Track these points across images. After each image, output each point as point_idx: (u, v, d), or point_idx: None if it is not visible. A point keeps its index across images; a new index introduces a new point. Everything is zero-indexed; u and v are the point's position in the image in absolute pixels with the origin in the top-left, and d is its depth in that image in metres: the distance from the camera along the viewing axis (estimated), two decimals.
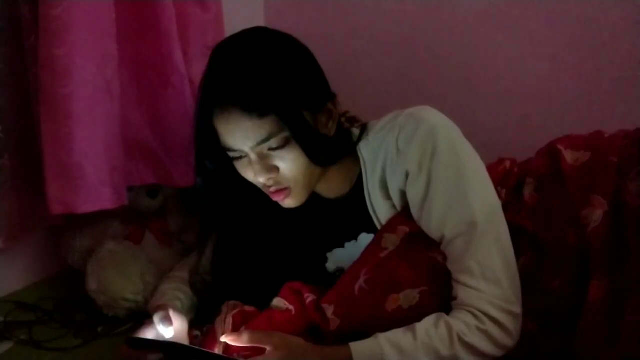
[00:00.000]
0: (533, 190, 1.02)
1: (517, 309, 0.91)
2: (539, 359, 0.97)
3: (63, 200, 1.10)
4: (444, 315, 0.90)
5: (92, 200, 1.12)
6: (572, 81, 1.46)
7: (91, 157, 1.11)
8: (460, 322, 0.88)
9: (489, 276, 0.90)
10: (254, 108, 0.89)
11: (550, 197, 1.00)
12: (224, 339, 0.91)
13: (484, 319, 0.88)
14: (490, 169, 1.03)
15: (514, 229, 0.99)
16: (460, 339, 0.87)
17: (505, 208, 1.00)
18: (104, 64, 1.11)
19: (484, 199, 0.93)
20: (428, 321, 0.90)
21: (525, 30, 1.49)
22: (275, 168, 0.94)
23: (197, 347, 0.92)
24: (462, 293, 0.91)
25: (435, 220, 0.94)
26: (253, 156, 0.93)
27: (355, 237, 1.06)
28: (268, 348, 0.88)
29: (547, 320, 0.96)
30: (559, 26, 1.45)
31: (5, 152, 1.16)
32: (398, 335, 0.89)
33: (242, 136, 0.91)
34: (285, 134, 0.91)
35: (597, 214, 0.94)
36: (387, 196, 0.99)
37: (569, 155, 1.00)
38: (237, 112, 0.89)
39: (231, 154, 0.95)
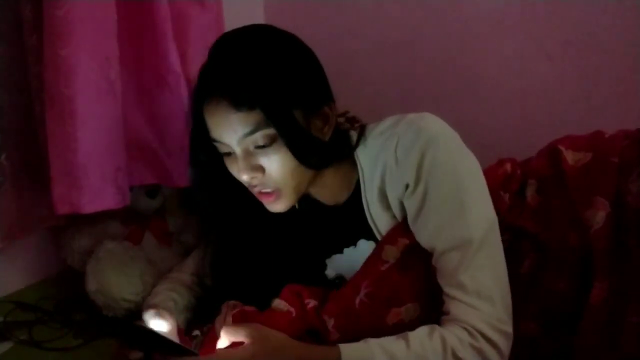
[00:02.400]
0: (534, 192, 1.01)
1: (508, 327, 0.88)
2: (539, 358, 0.96)
3: (69, 201, 1.11)
4: (437, 327, 0.88)
5: (96, 200, 1.13)
6: (572, 81, 1.46)
7: (96, 157, 1.11)
8: (454, 336, 0.86)
9: (483, 293, 0.87)
10: (241, 101, 0.88)
11: (552, 198, 0.99)
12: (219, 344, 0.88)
13: (478, 336, 0.86)
14: (491, 172, 1.02)
15: (516, 231, 0.98)
16: (454, 354, 0.85)
17: (509, 211, 1.00)
18: (107, 64, 1.11)
19: (481, 213, 0.91)
20: (421, 331, 0.88)
21: (525, 30, 1.49)
22: (260, 167, 0.92)
23: (167, 338, 0.90)
24: (454, 308, 0.88)
25: (429, 232, 0.92)
26: (238, 152, 0.92)
27: (354, 243, 1.05)
28: (245, 341, 0.85)
29: (549, 321, 0.96)
30: (559, 26, 1.45)
31: (5, 151, 1.16)
32: (390, 342, 0.87)
33: (227, 128, 0.90)
34: (272, 130, 0.89)
35: (599, 216, 0.93)
36: (387, 207, 0.97)
37: (570, 156, 0.99)
38: (225, 103, 0.88)
39: (219, 147, 0.94)
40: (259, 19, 1.75)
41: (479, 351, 0.85)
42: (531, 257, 0.98)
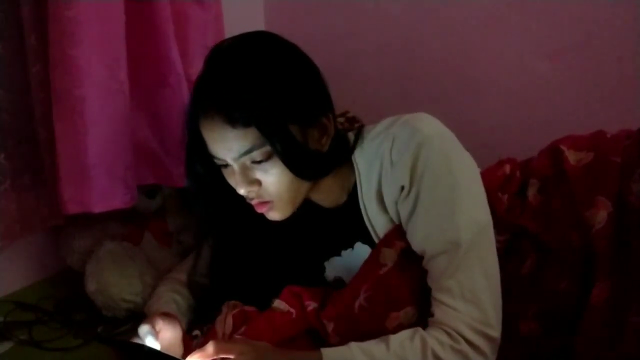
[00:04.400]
0: (536, 191, 1.00)
1: (495, 332, 0.88)
2: (539, 358, 0.96)
3: (79, 200, 1.11)
4: (420, 329, 0.88)
5: (106, 199, 1.14)
6: (572, 81, 1.46)
7: (105, 157, 1.12)
8: (435, 339, 0.86)
9: (468, 297, 0.87)
10: (237, 119, 0.87)
11: (554, 198, 0.98)
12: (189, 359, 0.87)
13: (460, 339, 0.86)
14: (490, 173, 1.02)
15: (517, 231, 0.98)
16: (434, 355, 0.85)
17: (509, 211, 1.00)
18: (116, 65, 1.11)
19: (472, 217, 0.90)
20: (404, 334, 0.88)
21: (525, 30, 1.49)
22: (257, 181, 0.92)
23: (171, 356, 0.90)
24: (438, 311, 0.88)
25: (419, 236, 0.91)
26: (235, 167, 0.92)
27: (351, 246, 1.04)
28: (233, 356, 0.85)
29: (549, 321, 0.95)
30: (559, 26, 1.45)
31: (4, 151, 1.16)
32: (371, 344, 0.87)
33: (224, 146, 0.90)
34: (268, 147, 0.89)
35: (601, 215, 0.93)
36: (384, 209, 0.97)
37: (571, 156, 0.99)
38: (221, 121, 0.88)
39: (216, 161, 0.94)
40: (258, 18, 1.75)
41: (461, 353, 0.85)
42: (532, 257, 0.97)
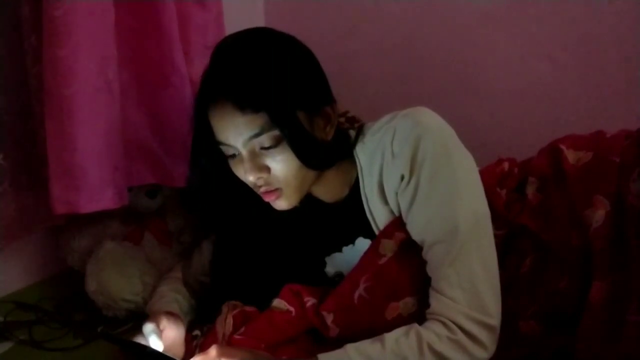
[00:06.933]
0: (535, 190, 1.01)
1: (493, 321, 0.88)
2: (539, 358, 0.96)
3: (66, 200, 1.11)
4: (415, 325, 0.89)
5: (94, 200, 1.13)
6: (572, 81, 1.46)
7: (93, 157, 1.11)
8: (431, 331, 0.86)
9: (466, 286, 0.88)
10: (247, 104, 0.89)
11: (553, 197, 0.99)
12: None
13: (455, 329, 0.86)
14: (489, 170, 1.03)
15: (517, 230, 0.99)
16: (430, 348, 0.85)
17: (508, 208, 1.00)
18: (105, 64, 1.11)
19: (471, 207, 0.91)
20: (399, 331, 0.88)
21: (525, 30, 1.49)
22: (266, 168, 0.93)
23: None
24: (435, 302, 0.89)
25: (419, 225, 0.92)
26: (244, 153, 0.92)
27: (352, 242, 1.05)
28: None
29: (549, 320, 0.96)
30: (559, 26, 1.45)
31: (3, 151, 1.16)
32: (366, 345, 0.87)
33: (234, 131, 0.91)
34: (277, 132, 0.90)
35: (599, 214, 0.93)
36: (385, 201, 0.98)
37: (570, 155, 0.99)
38: (230, 106, 0.89)
39: (224, 149, 0.95)
40: (259, 19, 1.75)
41: (458, 343, 0.86)
42: (532, 257, 0.98)
